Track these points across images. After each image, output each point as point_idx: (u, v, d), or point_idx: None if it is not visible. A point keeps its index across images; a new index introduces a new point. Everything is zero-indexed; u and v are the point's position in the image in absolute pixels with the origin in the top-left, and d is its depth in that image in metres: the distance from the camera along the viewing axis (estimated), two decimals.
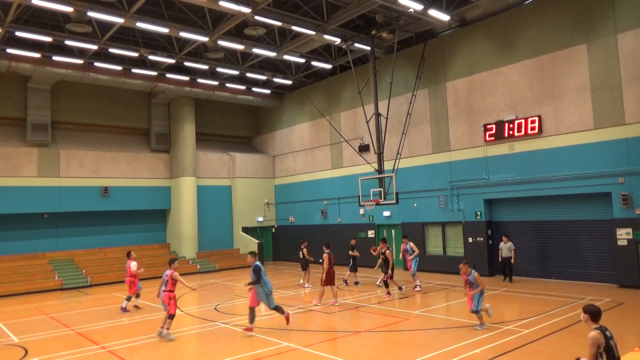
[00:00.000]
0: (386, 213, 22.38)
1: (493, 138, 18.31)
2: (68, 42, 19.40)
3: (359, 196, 20.85)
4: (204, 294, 18.14)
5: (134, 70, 23.09)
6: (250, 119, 31.56)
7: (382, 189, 19.97)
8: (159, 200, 26.59)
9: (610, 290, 14.42)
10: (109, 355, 9.76)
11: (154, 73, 23.63)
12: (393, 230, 22.63)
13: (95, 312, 15.11)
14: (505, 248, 17.07)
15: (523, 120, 17.42)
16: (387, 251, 15.44)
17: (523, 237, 18.00)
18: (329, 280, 14.24)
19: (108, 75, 22.74)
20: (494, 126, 18.28)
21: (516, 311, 12.27)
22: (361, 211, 23.49)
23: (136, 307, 15.20)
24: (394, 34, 19.91)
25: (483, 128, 18.62)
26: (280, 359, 9.03)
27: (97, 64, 21.99)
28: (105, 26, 18.62)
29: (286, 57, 22.09)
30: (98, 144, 25.24)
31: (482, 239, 18.79)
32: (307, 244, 19.13)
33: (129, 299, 14.94)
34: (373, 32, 20.25)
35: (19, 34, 18.28)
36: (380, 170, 20.65)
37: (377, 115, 20.89)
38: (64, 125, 24.64)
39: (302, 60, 23.16)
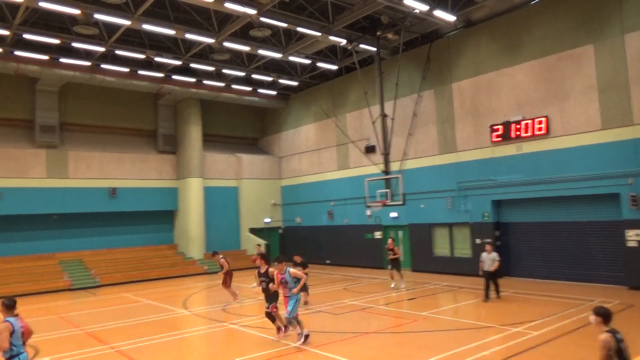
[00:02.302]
0: (393, 214, 22.36)
1: (500, 139, 18.25)
2: (75, 44, 19.58)
3: (365, 197, 20.85)
4: (212, 295, 18.20)
5: (141, 72, 23.23)
6: (256, 120, 31.64)
7: (388, 190, 19.97)
8: (166, 201, 26.72)
9: (620, 292, 14.34)
10: (118, 356, 9.83)
11: (161, 75, 23.75)
12: (400, 232, 22.62)
13: (104, 312, 15.20)
14: (488, 259, 14.00)
15: (530, 121, 17.35)
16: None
17: (531, 238, 17.94)
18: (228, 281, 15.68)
19: (115, 76, 22.88)
20: (501, 127, 18.22)
21: (524, 313, 12.24)
22: (368, 212, 23.49)
23: None
24: (400, 35, 19.90)
25: (490, 129, 18.56)
26: None
27: (104, 66, 22.13)
28: (112, 28, 18.73)
29: (292, 58, 22.13)
30: (105, 145, 25.40)
31: (489, 240, 18.74)
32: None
33: None
34: (378, 33, 20.26)
35: (26, 36, 18.47)
36: (386, 171, 20.65)
37: (383, 116, 20.89)
38: (72, 126, 24.80)
39: (308, 62, 23.20)
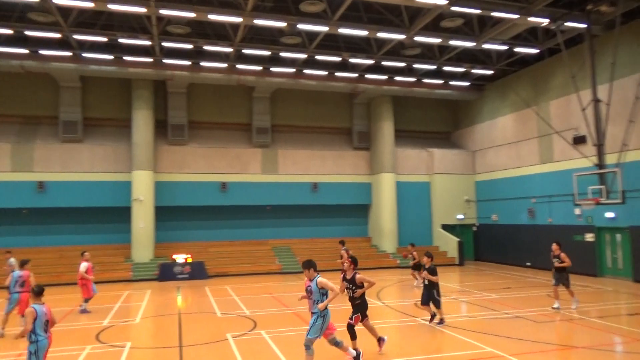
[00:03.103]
0: (609, 214, 19.46)
1: None
2: (283, 54, 21.90)
3: (573, 194, 18.62)
4: (405, 289, 18.51)
5: (337, 74, 24.77)
6: (448, 114, 30.88)
7: (603, 187, 17.46)
8: (361, 196, 28.06)
9: None
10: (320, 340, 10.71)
11: (355, 75, 24.94)
12: (618, 235, 19.58)
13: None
14: None
15: None
16: (425, 258, 12.15)
17: None
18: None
19: (315, 80, 24.87)
20: None
21: None
22: (577, 211, 20.91)
23: (85, 311, 14.24)
24: (617, 6, 17.13)
25: None
26: None
27: (306, 71, 24.24)
28: (312, 35, 20.40)
29: (486, 46, 20.95)
30: (308, 143, 27.87)
31: None
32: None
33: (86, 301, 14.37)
34: (589, 7, 17.77)
35: (245, 51, 21.36)
36: (600, 164, 18.07)
37: (596, 101, 18.31)
38: (280, 128, 27.86)
39: (504, 48, 21.66)
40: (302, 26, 18.48)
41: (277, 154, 26.77)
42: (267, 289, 18.68)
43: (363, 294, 9.38)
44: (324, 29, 18.71)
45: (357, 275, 9.37)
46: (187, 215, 25.72)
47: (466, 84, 26.93)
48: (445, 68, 24.28)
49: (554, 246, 13.46)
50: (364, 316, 9.26)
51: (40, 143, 23.50)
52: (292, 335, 10.92)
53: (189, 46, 20.87)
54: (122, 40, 19.98)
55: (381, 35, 19.47)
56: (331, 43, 22.04)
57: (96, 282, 16.04)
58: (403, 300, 15.96)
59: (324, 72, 24.42)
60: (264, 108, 26.88)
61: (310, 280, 8.16)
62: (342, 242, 18.50)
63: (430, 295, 11.65)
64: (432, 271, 11.72)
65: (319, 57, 22.51)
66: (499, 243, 25.98)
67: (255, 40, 21.30)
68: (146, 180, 23.65)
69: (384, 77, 25.34)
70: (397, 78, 25.73)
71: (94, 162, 23.98)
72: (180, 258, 22.02)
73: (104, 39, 19.88)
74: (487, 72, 25.06)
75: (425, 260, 11.91)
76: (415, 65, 23.87)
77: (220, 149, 25.94)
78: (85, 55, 21.13)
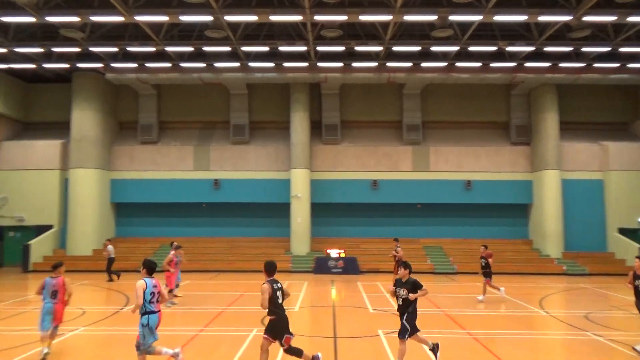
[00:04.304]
0: None
1: None
2: (433, 48, 21.39)
3: None
4: (572, 299, 16.74)
5: (493, 65, 23.32)
6: (625, 101, 26.96)
7: None
8: (519, 195, 26.06)
9: None
10: (473, 342, 10.29)
11: (513, 64, 23.20)
12: None
13: (462, 298, 16.13)
14: None
15: None
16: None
17: None
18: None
19: (468, 73, 23.77)
20: None
21: None
22: None
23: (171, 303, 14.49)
24: None
25: None
26: None
27: (458, 64, 23.30)
28: (464, 26, 19.53)
29: None
30: (460, 139, 26.80)
31: None
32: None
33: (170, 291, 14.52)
34: None
35: (395, 48, 21.36)
36: None
37: None
38: (431, 124, 27.27)
39: None
40: (454, 17, 17.82)
41: (428, 151, 26.27)
42: None
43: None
44: (477, 18, 17.77)
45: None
46: (340, 212, 26.72)
47: None
48: (622, 49, 21.20)
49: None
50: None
51: (215, 145, 26.59)
52: (443, 337, 10.66)
53: (341, 48, 21.60)
54: (281, 48, 21.54)
55: (543, 18, 17.80)
56: (485, 32, 20.83)
57: (260, 272, 17.57)
58: (571, 312, 14.44)
59: (478, 64, 23.19)
60: (415, 105, 26.58)
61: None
62: (396, 239, 17.70)
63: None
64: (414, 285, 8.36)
65: (472, 49, 21.47)
66: None
67: (405, 37, 21.14)
68: (303, 178, 25.18)
69: (547, 64, 23.12)
70: (562, 64, 23.25)
71: (259, 162, 26.34)
72: (334, 253, 22.98)
73: (266, 49, 21.65)
74: None
75: (401, 272, 8.65)
76: (584, 49, 21.30)
77: (371, 147, 26.39)
78: (251, 64, 23.25)
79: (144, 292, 7.23)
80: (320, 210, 26.24)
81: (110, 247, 20.29)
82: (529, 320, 13.07)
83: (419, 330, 8.16)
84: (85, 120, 25.02)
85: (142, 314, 7.26)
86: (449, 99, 27.02)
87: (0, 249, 25.34)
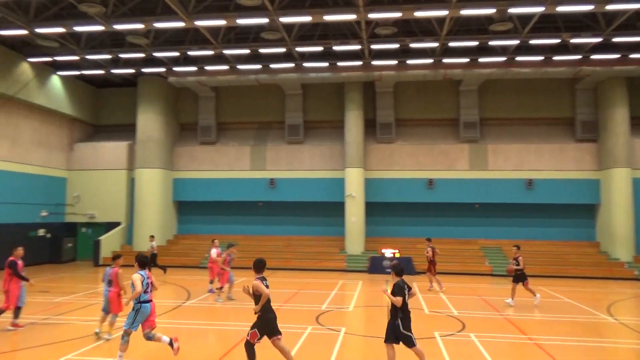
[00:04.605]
0: None
1: None
2: (492, 43, 20.71)
3: None
4: None
5: (556, 58, 22.26)
6: None
7: None
8: (585, 194, 24.72)
9: None
10: (535, 348, 9.90)
11: (578, 57, 22.04)
12: None
13: (523, 302, 15.52)
14: None
15: None
16: None
17: None
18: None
19: (529, 67, 22.82)
20: None
21: None
22: None
23: (211, 291, 15.91)
24: None
25: None
26: None
27: (518, 58, 22.42)
28: (524, 19, 18.78)
29: None
30: (521, 136, 25.80)
31: None
32: None
33: (211, 282, 16.12)
34: None
35: (451, 44, 20.88)
36: None
37: None
38: (489, 121, 26.42)
39: None
40: (513, 10, 17.15)
41: (486, 149, 25.47)
42: (476, 290, 18.01)
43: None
44: (539, 9, 17.00)
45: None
46: (394, 211, 26.47)
47: None
48: None
49: None
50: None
51: (270, 145, 27.11)
52: (503, 342, 10.37)
53: (396, 45, 21.37)
54: (335, 48, 21.62)
55: (612, 7, 16.77)
56: (548, 24, 19.94)
57: (314, 270, 17.78)
58: None
59: (540, 58, 22.19)
60: (472, 101, 25.85)
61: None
62: (428, 239, 17.74)
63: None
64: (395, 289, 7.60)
65: (533, 42, 20.59)
66: None
67: (462, 32, 20.63)
68: (357, 177, 25.15)
69: (616, 55, 21.77)
70: (634, 55, 21.82)
71: (313, 161, 26.59)
72: (388, 252, 22.80)
73: (320, 48, 21.81)
74: None
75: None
76: None
77: (426, 145, 25.95)
78: (305, 64, 23.51)
79: (142, 283, 8.07)
80: (375, 210, 26.11)
81: (153, 243, 21.56)
82: (595, 327, 12.41)
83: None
84: (149, 122, 26.30)
85: (136, 303, 8.10)
86: (508, 94, 26.07)
87: (74, 244, 27.10)
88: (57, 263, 25.11)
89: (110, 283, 9.98)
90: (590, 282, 20.81)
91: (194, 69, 23.92)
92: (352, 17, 17.80)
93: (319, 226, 26.82)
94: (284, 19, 17.96)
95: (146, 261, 8.48)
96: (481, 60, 22.55)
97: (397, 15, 17.60)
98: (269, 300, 7.48)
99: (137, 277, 8.09)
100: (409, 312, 7.58)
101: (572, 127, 25.82)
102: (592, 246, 24.66)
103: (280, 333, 7.56)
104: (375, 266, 22.78)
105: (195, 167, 27.59)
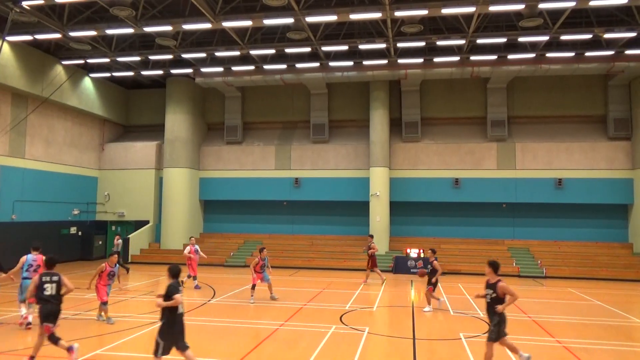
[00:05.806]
0: None
1: None
2: (521, 39, 20.28)
3: None
4: None
5: (587, 54, 21.66)
6: None
7: None
8: (618, 194, 23.98)
9: None
10: (564, 351, 9.72)
11: (611, 52, 21.39)
12: None
13: (551, 304, 15.24)
14: None
15: None
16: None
17: None
18: None
19: (560, 63, 22.25)
20: None
21: None
22: None
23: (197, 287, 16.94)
24: None
25: None
26: None
27: (548, 55, 21.92)
28: (555, 14, 18.34)
29: None
30: (551, 135, 25.21)
31: None
32: None
33: (191, 277, 17.18)
34: None
35: (479, 41, 20.55)
36: None
37: None
38: (518, 119, 25.91)
39: None
40: (543, 5, 16.79)
41: (514, 148, 24.99)
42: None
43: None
44: (570, 4, 16.55)
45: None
46: (420, 211, 26.23)
47: None
48: None
49: None
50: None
51: (295, 144, 27.23)
52: (530, 345, 10.17)
53: (422, 43, 21.16)
54: (361, 46, 21.56)
55: None
56: (579, 19, 19.41)
57: (339, 269, 17.67)
58: None
59: (571, 54, 21.62)
60: (500, 99, 25.39)
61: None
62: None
63: None
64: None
65: (564, 38, 20.08)
66: None
67: (490, 29, 20.26)
68: (382, 177, 25.03)
69: None
70: None
71: (338, 160, 26.58)
72: (413, 252, 22.63)
73: (345, 47, 21.78)
74: None
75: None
76: None
77: (452, 144, 25.63)
78: (331, 64, 23.51)
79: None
80: (400, 209, 25.94)
81: (119, 241, 21.79)
82: (627, 330, 12.06)
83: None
84: (177, 122, 26.77)
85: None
86: (537, 92, 25.51)
87: (104, 241, 27.81)
88: (88, 260, 25.81)
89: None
90: (622, 284, 20.21)
91: (220, 69, 24.22)
92: (377, 15, 17.71)
93: (344, 225, 26.81)
94: (310, 19, 18.01)
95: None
96: (510, 57, 22.13)
97: (424, 12, 17.40)
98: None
99: (22, 258, 10.92)
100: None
101: (604, 124, 25.10)
102: (624, 247, 23.92)
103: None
104: (400, 266, 22.63)
105: (221, 167, 27.94)
